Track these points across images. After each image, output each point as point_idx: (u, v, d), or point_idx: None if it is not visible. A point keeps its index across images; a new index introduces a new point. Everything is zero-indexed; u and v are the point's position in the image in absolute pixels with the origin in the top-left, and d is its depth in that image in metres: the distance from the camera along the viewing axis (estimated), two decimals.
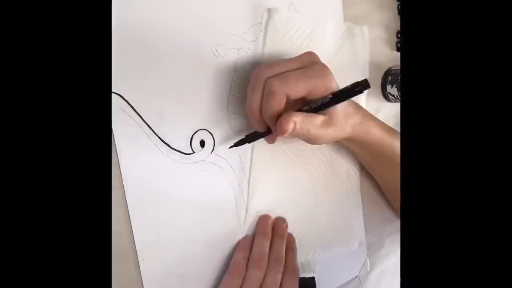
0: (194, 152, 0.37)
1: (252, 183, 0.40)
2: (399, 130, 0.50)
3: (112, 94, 0.33)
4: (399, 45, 0.48)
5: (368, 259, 0.49)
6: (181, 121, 0.36)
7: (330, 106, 0.33)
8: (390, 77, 0.47)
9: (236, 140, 0.37)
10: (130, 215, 0.34)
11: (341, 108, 0.35)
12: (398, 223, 0.50)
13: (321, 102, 0.33)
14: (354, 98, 0.33)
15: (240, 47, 0.39)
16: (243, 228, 0.40)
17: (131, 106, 0.34)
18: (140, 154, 0.34)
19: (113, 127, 0.33)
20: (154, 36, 0.34)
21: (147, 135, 0.35)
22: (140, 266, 0.35)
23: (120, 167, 0.34)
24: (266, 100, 0.33)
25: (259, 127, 0.35)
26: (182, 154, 0.36)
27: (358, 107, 0.38)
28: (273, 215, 0.41)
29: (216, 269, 0.39)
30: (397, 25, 0.48)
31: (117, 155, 0.33)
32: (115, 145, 0.33)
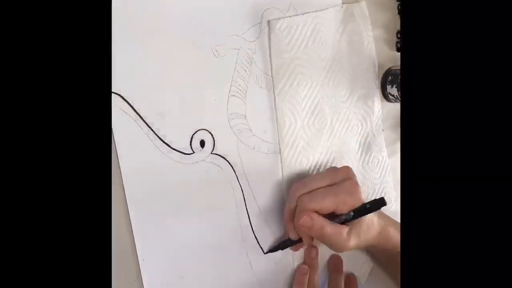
0: (194, 152, 0.37)
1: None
2: (399, 130, 0.50)
3: (112, 94, 0.33)
4: (399, 45, 0.48)
5: (368, 259, 0.49)
6: (181, 121, 0.36)
7: (351, 221, 0.37)
8: (390, 77, 0.47)
9: (272, 244, 0.41)
10: (130, 215, 0.34)
11: (365, 221, 0.38)
12: None
13: (344, 219, 0.37)
14: None
15: (240, 47, 0.39)
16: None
17: (131, 106, 0.34)
18: (140, 154, 0.34)
19: (113, 127, 0.33)
20: (154, 36, 0.34)
21: (147, 135, 0.35)
22: (140, 266, 0.35)
23: (120, 167, 0.34)
24: (297, 215, 0.37)
25: (292, 236, 0.40)
26: (182, 154, 0.36)
27: (380, 216, 0.40)
28: None
29: (216, 269, 0.39)
30: (397, 25, 0.48)
31: (117, 155, 0.33)
32: (115, 145, 0.33)
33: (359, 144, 0.46)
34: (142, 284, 0.35)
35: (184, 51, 0.36)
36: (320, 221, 0.36)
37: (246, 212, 0.40)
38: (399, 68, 0.47)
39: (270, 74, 0.40)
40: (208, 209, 0.38)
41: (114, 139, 0.33)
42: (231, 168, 0.39)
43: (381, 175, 0.48)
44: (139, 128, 0.34)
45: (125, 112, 0.34)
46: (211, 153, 0.38)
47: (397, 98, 0.47)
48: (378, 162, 0.47)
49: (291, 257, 0.43)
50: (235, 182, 0.39)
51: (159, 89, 0.35)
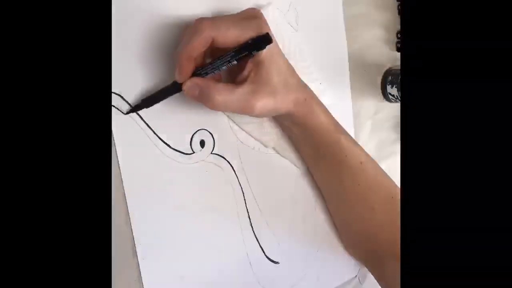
0: (194, 152, 0.37)
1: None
2: (399, 130, 0.50)
3: (112, 94, 0.33)
4: (399, 45, 0.48)
5: None
6: (181, 121, 0.36)
7: (231, 61, 0.31)
8: (390, 77, 0.47)
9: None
10: (130, 215, 0.34)
11: (278, 77, 0.32)
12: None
13: (225, 60, 0.31)
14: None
15: None
16: None
17: (131, 106, 0.34)
18: (140, 154, 0.35)
19: (113, 127, 0.33)
20: (154, 36, 0.34)
21: (147, 135, 0.35)
22: (140, 266, 0.35)
23: (120, 167, 0.34)
24: (188, 38, 0.30)
25: (180, 75, 0.31)
26: (182, 154, 0.36)
27: (304, 84, 0.35)
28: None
29: (216, 269, 0.39)
30: (397, 25, 0.48)
31: (117, 155, 0.33)
32: (115, 145, 0.33)
33: None
34: (142, 284, 0.35)
35: None
36: (209, 89, 0.30)
37: (246, 212, 0.40)
38: (399, 68, 0.47)
39: None
40: (208, 209, 0.38)
41: (114, 139, 0.33)
42: (231, 168, 0.39)
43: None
44: (139, 128, 0.34)
45: (125, 112, 0.34)
46: (211, 153, 0.38)
47: (397, 98, 0.47)
48: None
49: (291, 258, 0.43)
50: (235, 182, 0.39)
51: (159, 89, 0.35)
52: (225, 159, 0.39)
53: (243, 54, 0.30)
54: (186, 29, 0.32)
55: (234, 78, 0.34)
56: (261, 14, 0.33)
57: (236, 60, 0.31)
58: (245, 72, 0.32)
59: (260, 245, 0.41)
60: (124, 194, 0.34)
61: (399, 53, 0.48)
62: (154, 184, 0.35)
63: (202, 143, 0.37)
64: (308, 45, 0.42)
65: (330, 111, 0.38)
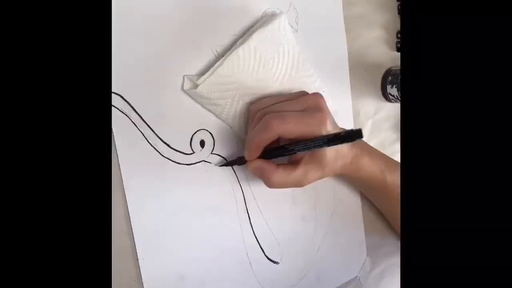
0: (194, 152, 0.37)
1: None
2: (399, 130, 0.50)
3: (112, 94, 0.33)
4: (399, 45, 0.48)
5: (368, 259, 0.49)
6: (181, 121, 0.36)
7: (318, 148, 0.33)
8: (390, 77, 0.47)
9: (229, 158, 0.39)
10: (130, 215, 0.34)
11: (329, 154, 0.35)
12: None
13: (313, 145, 0.33)
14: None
15: None
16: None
17: (131, 106, 0.34)
18: (140, 154, 0.34)
19: (113, 127, 0.33)
20: (154, 36, 0.34)
21: (147, 135, 0.35)
22: (140, 266, 0.35)
23: (120, 167, 0.34)
24: (258, 131, 0.33)
25: (249, 158, 0.35)
26: (182, 154, 0.36)
27: (352, 145, 0.37)
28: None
29: (216, 269, 0.39)
30: (397, 25, 0.48)
31: (117, 155, 0.33)
32: (115, 145, 0.33)
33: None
34: (142, 284, 0.35)
35: (184, 51, 0.36)
36: (268, 172, 0.34)
37: (246, 212, 0.40)
38: (399, 68, 0.47)
39: None
40: (208, 209, 0.38)
41: (114, 139, 0.33)
42: (231, 168, 0.39)
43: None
44: (139, 128, 0.34)
45: (125, 113, 0.34)
46: (211, 153, 0.38)
47: (397, 98, 0.47)
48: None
49: (291, 258, 0.43)
50: (235, 182, 0.39)
51: (159, 90, 0.35)
52: (225, 159, 0.39)
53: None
54: (255, 118, 0.35)
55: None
56: (324, 104, 0.35)
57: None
58: (300, 155, 0.36)
59: (260, 245, 0.41)
60: (124, 194, 0.34)
61: (399, 53, 0.48)
62: (154, 184, 0.35)
63: (202, 143, 0.37)
64: (308, 45, 0.42)
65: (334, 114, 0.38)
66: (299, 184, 0.35)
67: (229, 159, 0.39)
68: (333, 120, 0.35)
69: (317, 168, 0.35)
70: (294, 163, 0.35)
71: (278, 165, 0.35)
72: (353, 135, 0.30)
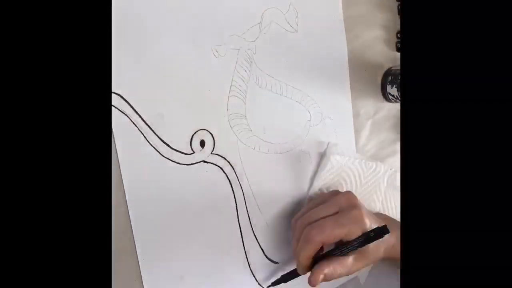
0: (194, 152, 0.37)
1: None
2: (399, 130, 0.50)
3: (112, 94, 0.33)
4: (399, 45, 0.48)
5: None
6: (181, 121, 0.36)
7: (357, 249, 0.37)
8: (390, 77, 0.47)
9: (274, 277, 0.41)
10: (130, 215, 0.34)
11: (374, 245, 0.37)
12: None
13: (348, 249, 0.36)
14: None
15: (240, 47, 0.39)
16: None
17: (131, 106, 0.34)
18: (140, 154, 0.34)
19: (113, 127, 0.33)
20: (154, 36, 0.34)
21: (147, 135, 0.35)
22: (140, 266, 0.35)
23: (120, 167, 0.34)
24: (302, 246, 0.36)
25: (303, 272, 0.38)
26: (182, 154, 0.36)
27: (394, 227, 0.39)
28: None
29: (216, 269, 0.39)
30: (397, 25, 0.48)
31: (117, 155, 0.33)
32: (115, 145, 0.33)
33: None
34: (142, 284, 0.35)
35: (184, 51, 0.36)
36: (330, 271, 0.37)
37: (246, 212, 0.40)
38: (399, 68, 0.47)
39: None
40: (208, 209, 0.38)
41: (114, 139, 0.33)
42: (231, 168, 0.39)
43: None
44: (139, 128, 0.34)
45: (125, 113, 0.34)
46: (211, 153, 0.38)
47: (397, 98, 0.47)
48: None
49: (291, 258, 0.43)
50: (235, 182, 0.39)
51: (159, 89, 0.35)
52: (225, 159, 0.39)
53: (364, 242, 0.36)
54: (296, 230, 0.39)
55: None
56: (356, 200, 0.38)
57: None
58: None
59: (260, 245, 0.41)
60: (124, 194, 0.34)
61: (399, 53, 0.48)
62: (154, 184, 0.35)
63: (202, 143, 0.37)
64: (308, 45, 0.42)
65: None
66: (348, 273, 0.37)
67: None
68: (369, 212, 0.38)
69: (361, 258, 0.37)
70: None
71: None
72: (382, 233, 0.36)
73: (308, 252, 0.36)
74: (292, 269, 0.40)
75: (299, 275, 0.39)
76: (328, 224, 0.36)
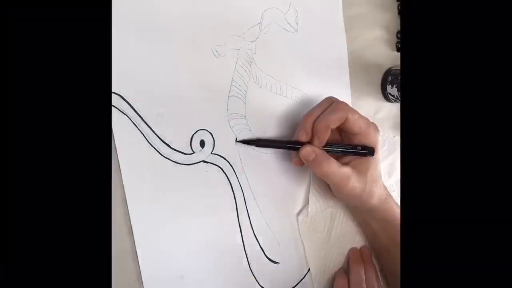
0: (194, 152, 0.37)
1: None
2: (399, 130, 0.50)
3: (112, 94, 0.33)
4: (399, 45, 0.48)
5: None
6: (181, 121, 0.36)
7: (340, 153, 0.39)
8: (390, 77, 0.47)
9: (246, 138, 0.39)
10: (130, 215, 0.34)
11: (372, 173, 0.38)
12: None
13: (336, 147, 0.38)
14: None
15: (240, 47, 0.39)
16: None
17: (131, 106, 0.34)
18: (140, 154, 0.35)
19: (113, 127, 0.33)
20: (154, 36, 0.34)
21: (147, 135, 0.35)
22: (140, 266, 0.35)
23: (120, 167, 0.34)
24: (329, 113, 0.37)
25: (302, 137, 0.38)
26: (182, 154, 0.36)
27: (384, 185, 0.41)
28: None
29: (216, 269, 0.39)
30: (397, 25, 0.48)
31: (117, 155, 0.33)
32: (115, 145, 0.33)
33: None
34: (142, 284, 0.35)
35: (184, 51, 0.36)
36: (321, 156, 0.36)
37: (246, 212, 0.40)
38: (399, 68, 0.47)
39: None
40: (208, 209, 0.38)
41: (114, 139, 0.33)
42: (231, 168, 0.39)
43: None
44: (139, 128, 0.34)
45: (125, 112, 0.34)
46: (211, 153, 0.38)
47: (397, 98, 0.47)
48: None
49: (291, 258, 0.43)
50: (235, 182, 0.39)
51: (159, 89, 0.35)
52: (225, 159, 0.39)
53: (350, 153, 0.39)
54: (323, 103, 0.38)
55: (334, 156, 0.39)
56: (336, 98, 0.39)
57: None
58: (348, 158, 0.39)
59: (260, 245, 0.41)
60: (124, 194, 0.34)
61: (399, 53, 0.48)
62: (154, 184, 0.35)
63: (202, 143, 0.37)
64: (308, 45, 0.42)
65: None
66: (343, 182, 0.37)
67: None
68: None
69: (360, 180, 0.38)
70: (343, 163, 0.38)
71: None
72: (368, 151, 0.38)
73: (331, 119, 0.36)
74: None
75: (278, 148, 0.39)
76: (356, 111, 0.37)
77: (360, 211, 0.44)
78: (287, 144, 0.38)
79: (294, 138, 0.39)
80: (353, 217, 0.46)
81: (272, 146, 0.39)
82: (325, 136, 0.37)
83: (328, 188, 0.41)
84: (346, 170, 0.37)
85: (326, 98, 0.39)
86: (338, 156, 0.39)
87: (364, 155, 0.38)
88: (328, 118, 0.36)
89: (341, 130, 0.40)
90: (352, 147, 0.38)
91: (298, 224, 0.43)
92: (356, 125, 0.37)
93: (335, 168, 0.37)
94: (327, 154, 0.37)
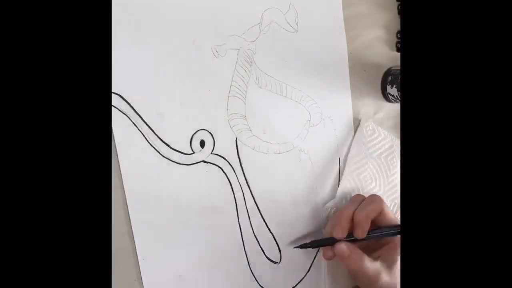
0: (194, 152, 0.37)
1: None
2: (399, 130, 0.50)
3: (112, 94, 0.33)
4: (399, 45, 0.48)
5: None
6: (181, 121, 0.36)
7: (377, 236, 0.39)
8: (390, 77, 0.47)
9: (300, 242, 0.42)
10: (130, 215, 0.34)
11: (397, 265, 0.39)
12: None
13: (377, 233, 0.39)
14: None
15: (240, 47, 0.39)
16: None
17: (131, 106, 0.34)
18: (140, 154, 0.35)
19: (113, 127, 0.33)
20: (154, 36, 0.34)
21: (146, 135, 0.35)
22: (140, 266, 0.35)
23: (120, 167, 0.34)
24: (366, 205, 0.39)
25: (336, 232, 0.39)
26: (182, 154, 0.36)
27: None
28: None
29: (215, 269, 0.39)
30: (397, 25, 0.48)
31: (117, 155, 0.33)
32: (115, 145, 0.33)
33: None
34: (142, 284, 0.35)
35: (184, 51, 0.36)
36: (355, 252, 0.38)
37: (246, 212, 0.40)
38: (399, 68, 0.47)
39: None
40: (208, 210, 0.38)
41: (114, 139, 0.33)
42: (231, 168, 0.39)
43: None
44: (139, 128, 0.34)
45: (125, 113, 0.34)
46: (211, 153, 0.38)
47: (397, 98, 0.46)
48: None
49: (291, 258, 0.43)
50: (235, 182, 0.39)
51: (159, 90, 0.35)
52: (225, 159, 0.39)
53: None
54: (355, 199, 0.41)
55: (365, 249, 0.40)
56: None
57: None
58: (380, 252, 0.40)
59: (260, 245, 0.41)
60: (124, 194, 0.34)
61: (399, 53, 0.48)
62: (154, 184, 0.35)
63: (202, 143, 0.37)
64: (308, 45, 0.42)
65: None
66: (373, 277, 0.38)
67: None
68: None
69: (389, 272, 0.38)
70: (374, 257, 0.39)
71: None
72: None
73: (370, 211, 0.38)
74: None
75: (328, 244, 0.40)
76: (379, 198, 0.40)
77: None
78: (323, 243, 0.40)
79: (329, 235, 0.40)
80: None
81: (323, 244, 0.41)
82: (367, 226, 0.38)
83: None
84: (377, 265, 0.38)
85: (356, 195, 0.42)
86: (369, 251, 0.40)
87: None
88: (368, 209, 0.38)
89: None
90: (393, 228, 0.39)
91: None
92: (387, 216, 0.39)
93: (368, 263, 0.38)
94: (360, 251, 0.38)
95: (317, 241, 0.41)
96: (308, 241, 0.42)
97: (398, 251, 0.39)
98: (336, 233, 0.39)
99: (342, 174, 0.45)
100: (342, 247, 0.38)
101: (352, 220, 0.39)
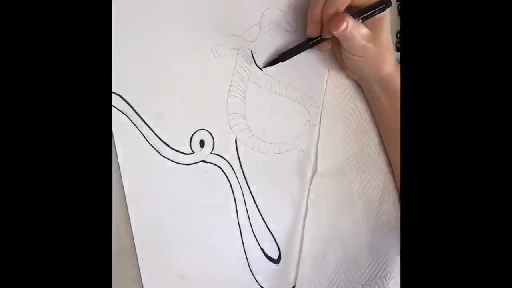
0: (193, 152, 0.37)
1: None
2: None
3: (112, 94, 0.33)
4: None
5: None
6: (181, 121, 0.36)
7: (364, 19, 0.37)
8: None
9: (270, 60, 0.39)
10: (130, 215, 0.34)
11: (387, 36, 0.38)
12: None
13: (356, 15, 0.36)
14: None
15: (239, 47, 0.39)
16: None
17: (131, 107, 0.34)
18: (139, 154, 0.35)
19: (113, 127, 0.33)
20: (154, 36, 0.34)
21: (146, 135, 0.35)
22: (140, 266, 0.35)
23: (120, 167, 0.34)
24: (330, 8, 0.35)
25: (314, 29, 0.37)
26: (182, 154, 0.36)
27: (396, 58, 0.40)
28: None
29: (215, 269, 0.39)
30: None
31: (117, 155, 0.33)
32: (114, 145, 0.33)
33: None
34: (142, 284, 0.35)
35: (184, 51, 0.36)
36: (354, 24, 0.35)
37: (245, 212, 0.40)
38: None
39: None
40: (207, 209, 0.38)
41: (114, 139, 0.33)
42: (230, 168, 0.39)
43: None
44: (138, 128, 0.34)
45: (125, 113, 0.34)
46: (211, 153, 0.38)
47: None
48: None
49: (291, 258, 0.43)
50: (235, 182, 0.39)
51: (159, 90, 0.35)
52: (225, 159, 0.39)
53: (370, 14, 0.37)
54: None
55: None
56: None
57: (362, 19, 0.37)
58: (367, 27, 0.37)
59: (260, 245, 0.41)
60: (124, 194, 0.34)
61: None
62: (153, 184, 0.35)
63: (202, 143, 0.37)
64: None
65: None
66: (364, 39, 0.36)
67: None
68: None
69: (374, 42, 0.37)
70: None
71: None
72: (386, 4, 0.36)
73: (336, 6, 0.35)
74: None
75: (303, 50, 0.39)
76: None
77: (372, 82, 0.42)
78: (308, 43, 0.39)
79: (308, 35, 0.38)
80: (364, 93, 0.44)
81: (296, 53, 0.39)
82: (342, 20, 0.35)
83: None
84: (366, 30, 0.36)
85: None
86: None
87: (385, 8, 0.36)
88: (330, 8, 0.35)
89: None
90: (371, 7, 0.36)
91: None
92: (363, 1, 0.36)
93: (362, 30, 0.36)
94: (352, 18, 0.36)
95: (287, 52, 0.39)
96: None
97: (383, 24, 0.37)
98: (311, 30, 0.37)
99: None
100: (341, 19, 0.35)
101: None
